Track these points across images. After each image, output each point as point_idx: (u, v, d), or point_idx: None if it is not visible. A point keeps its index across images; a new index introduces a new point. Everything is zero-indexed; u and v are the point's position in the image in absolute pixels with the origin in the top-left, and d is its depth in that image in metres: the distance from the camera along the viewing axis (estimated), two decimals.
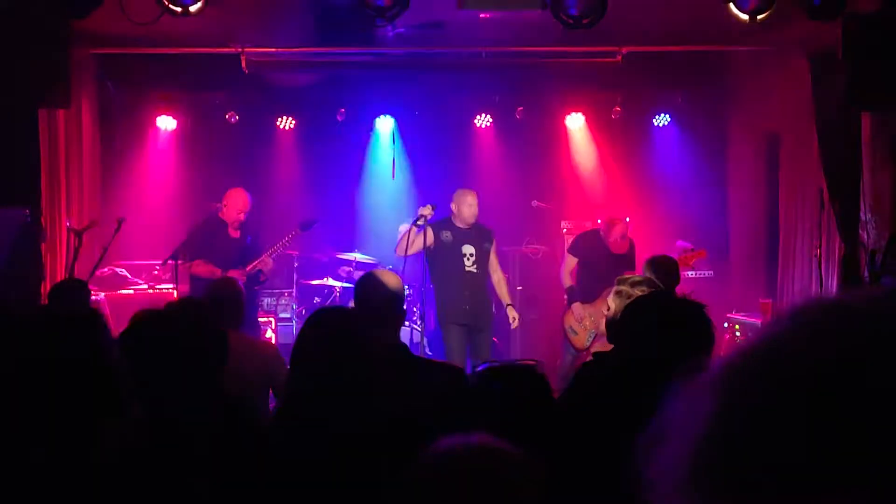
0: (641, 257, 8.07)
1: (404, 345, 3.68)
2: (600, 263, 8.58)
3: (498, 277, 8.27)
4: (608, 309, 7.80)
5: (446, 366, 3.91)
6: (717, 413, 0.79)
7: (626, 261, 8.67)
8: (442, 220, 8.08)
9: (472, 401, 3.19)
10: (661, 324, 3.09)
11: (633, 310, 3.30)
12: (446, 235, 7.93)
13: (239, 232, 8.18)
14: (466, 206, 7.97)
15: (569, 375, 8.26)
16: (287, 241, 8.17)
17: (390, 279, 3.73)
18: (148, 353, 2.46)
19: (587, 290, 8.59)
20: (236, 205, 8.10)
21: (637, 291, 4.47)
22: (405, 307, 3.75)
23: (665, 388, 2.89)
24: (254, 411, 2.91)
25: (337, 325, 3.17)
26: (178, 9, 5.98)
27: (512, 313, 8.22)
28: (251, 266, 7.84)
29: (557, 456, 2.65)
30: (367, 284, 3.68)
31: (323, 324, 3.23)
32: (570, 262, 8.80)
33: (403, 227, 8.18)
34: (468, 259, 7.91)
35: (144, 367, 2.42)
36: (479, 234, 8.04)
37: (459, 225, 7.99)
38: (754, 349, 0.82)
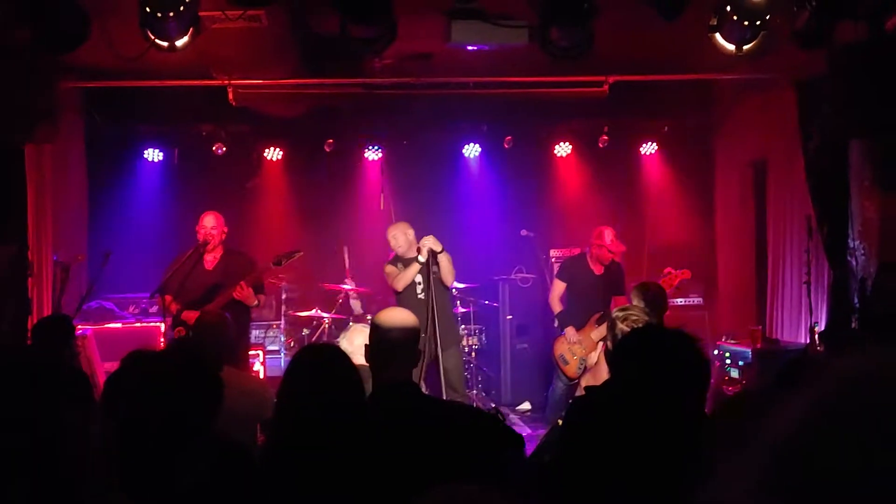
0: (629, 284, 8.09)
1: (414, 384, 3.64)
2: (588, 288, 8.61)
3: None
4: (597, 338, 7.82)
5: (457, 406, 3.84)
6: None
7: (614, 285, 8.68)
8: (396, 257, 8.27)
9: (480, 443, 3.17)
10: (655, 361, 3.07)
11: (625, 345, 3.27)
12: (410, 264, 8.06)
13: (215, 264, 7.93)
14: (403, 238, 8.14)
15: (561, 406, 8.26)
16: (259, 275, 7.94)
17: (404, 317, 3.70)
18: (143, 398, 2.42)
19: (576, 316, 8.61)
20: (199, 226, 7.90)
21: (627, 326, 4.45)
22: (419, 347, 3.71)
23: (662, 425, 2.84)
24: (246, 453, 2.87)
25: (322, 364, 3.14)
26: (165, 43, 5.96)
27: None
28: (218, 301, 7.58)
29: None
30: (382, 322, 3.65)
31: (308, 363, 3.19)
32: (559, 287, 8.82)
33: (391, 269, 8.18)
34: (418, 287, 8.03)
35: (138, 411, 2.38)
36: (435, 255, 8.09)
37: (408, 257, 8.12)
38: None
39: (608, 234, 8.61)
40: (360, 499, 2.82)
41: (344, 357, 3.15)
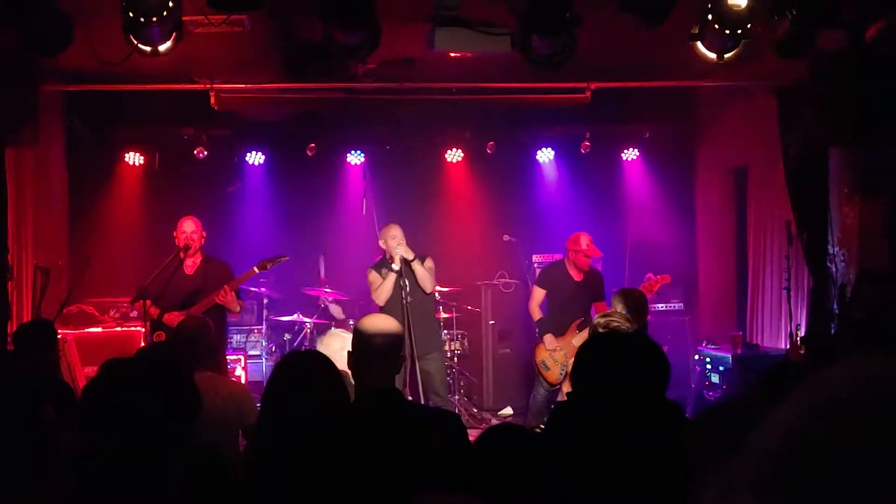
0: (610, 290, 8.13)
1: (397, 390, 3.64)
2: (568, 294, 8.62)
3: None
4: (578, 344, 7.83)
5: (440, 412, 3.86)
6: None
7: (594, 291, 8.70)
8: (381, 261, 8.26)
9: (462, 452, 3.17)
10: (611, 364, 3.10)
11: (584, 352, 3.28)
12: (386, 273, 8.07)
13: (195, 270, 7.92)
14: (392, 240, 8.10)
15: (542, 411, 8.29)
16: (244, 279, 7.96)
17: (388, 324, 3.70)
18: (116, 409, 2.41)
19: (557, 323, 8.62)
20: (178, 231, 7.90)
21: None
22: (403, 352, 3.71)
23: (631, 427, 2.84)
24: (225, 460, 2.86)
25: (307, 371, 3.14)
26: (148, 48, 5.94)
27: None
28: (200, 306, 7.54)
29: None
30: (365, 328, 3.65)
31: (293, 369, 3.19)
32: (538, 294, 8.83)
33: (374, 276, 8.20)
34: (404, 291, 8.02)
35: (111, 423, 2.37)
36: (408, 264, 8.11)
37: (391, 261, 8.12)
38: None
39: (584, 240, 8.62)
40: None
41: (329, 363, 3.15)
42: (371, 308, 8.10)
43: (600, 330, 4.72)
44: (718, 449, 1.67)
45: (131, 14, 5.73)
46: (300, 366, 3.19)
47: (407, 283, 8.03)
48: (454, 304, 10.43)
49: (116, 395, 2.39)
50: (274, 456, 2.98)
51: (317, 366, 3.13)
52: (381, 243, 8.29)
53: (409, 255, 8.00)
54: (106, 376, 2.48)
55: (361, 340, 3.60)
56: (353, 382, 3.61)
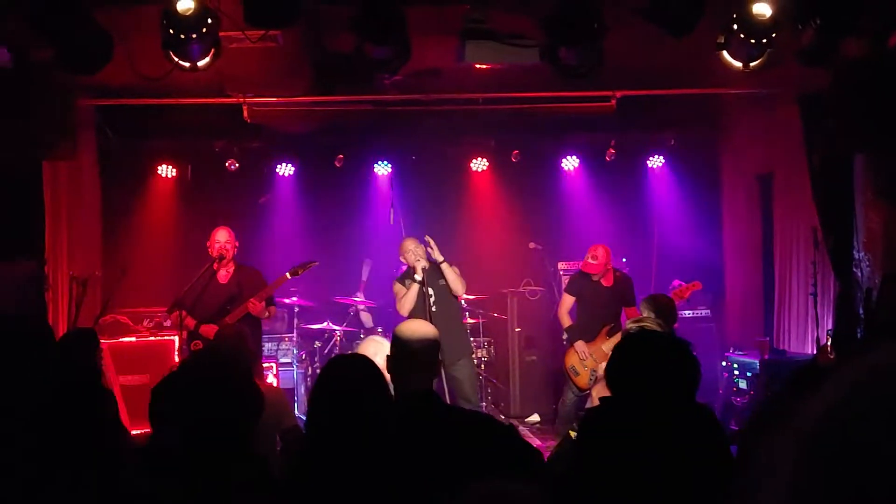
0: (638, 297, 8.19)
1: (435, 393, 3.75)
2: (596, 301, 8.69)
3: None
4: (608, 350, 7.92)
5: (475, 414, 3.97)
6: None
7: (624, 297, 8.77)
8: (405, 273, 8.39)
9: (500, 449, 3.27)
10: (645, 365, 3.19)
11: (618, 352, 3.38)
12: (409, 284, 8.20)
13: (228, 279, 8.07)
14: (409, 254, 8.24)
15: (571, 417, 8.35)
16: (276, 286, 8.10)
17: (425, 328, 3.81)
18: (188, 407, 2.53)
19: (586, 329, 8.68)
20: (211, 241, 8.05)
21: None
22: (440, 356, 3.82)
23: (666, 427, 2.94)
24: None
25: (354, 374, 3.25)
26: (187, 64, 6.07)
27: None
28: (234, 315, 7.69)
29: None
30: (403, 333, 3.76)
31: (341, 372, 3.30)
32: (568, 301, 8.90)
33: (398, 287, 8.32)
34: (430, 300, 8.14)
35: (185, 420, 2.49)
36: (433, 273, 8.23)
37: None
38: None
39: (589, 253, 8.72)
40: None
41: (374, 367, 3.27)
42: (399, 316, 8.21)
43: None
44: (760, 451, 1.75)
45: (171, 31, 5.87)
46: (348, 369, 3.30)
47: (432, 291, 8.15)
48: (480, 311, 10.52)
49: (191, 393, 2.51)
50: (321, 456, 3.09)
51: (363, 369, 3.24)
52: (401, 259, 8.42)
53: (440, 258, 8.12)
54: (179, 376, 2.60)
55: (400, 345, 3.71)
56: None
